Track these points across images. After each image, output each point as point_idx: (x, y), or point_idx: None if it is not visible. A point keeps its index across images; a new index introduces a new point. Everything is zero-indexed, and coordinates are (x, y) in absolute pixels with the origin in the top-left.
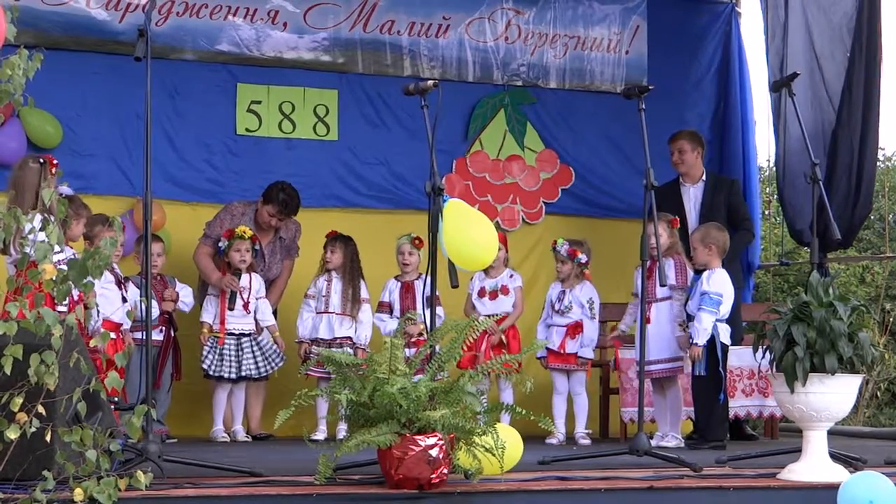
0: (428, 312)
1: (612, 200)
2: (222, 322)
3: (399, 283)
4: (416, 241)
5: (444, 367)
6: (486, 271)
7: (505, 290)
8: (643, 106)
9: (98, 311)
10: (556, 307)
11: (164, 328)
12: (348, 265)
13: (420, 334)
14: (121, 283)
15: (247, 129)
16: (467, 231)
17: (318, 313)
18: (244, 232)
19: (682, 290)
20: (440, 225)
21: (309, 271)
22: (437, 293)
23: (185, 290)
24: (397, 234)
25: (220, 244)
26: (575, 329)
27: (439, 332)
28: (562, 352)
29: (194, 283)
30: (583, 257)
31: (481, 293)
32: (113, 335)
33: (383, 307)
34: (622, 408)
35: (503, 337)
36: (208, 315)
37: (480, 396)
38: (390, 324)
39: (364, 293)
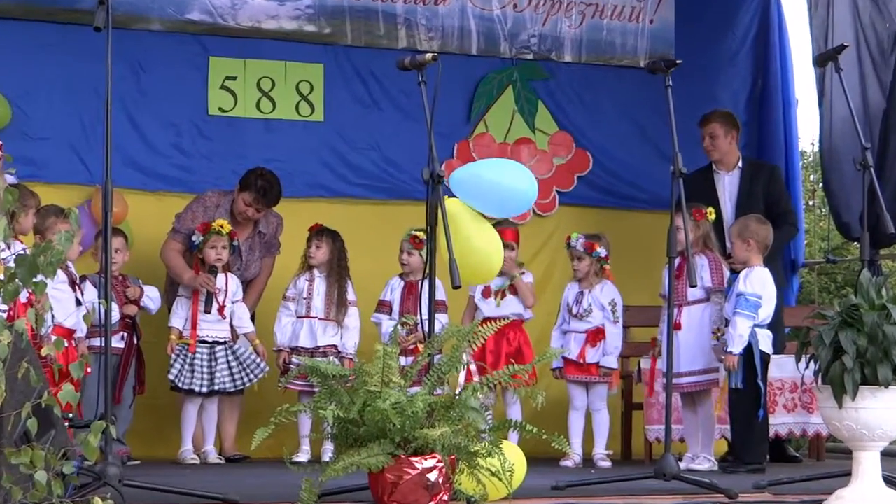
0: (429, 316)
1: (636, 190)
2: (194, 327)
3: (402, 283)
4: (415, 241)
5: (445, 379)
6: None
7: (514, 289)
8: (670, 82)
9: (52, 316)
10: (574, 311)
11: (125, 334)
12: (334, 263)
13: (416, 342)
14: (75, 283)
15: (220, 109)
16: (467, 242)
17: (298, 318)
18: (222, 226)
19: (718, 291)
20: (445, 216)
21: (288, 270)
22: (444, 298)
23: (152, 290)
24: (390, 228)
25: (194, 239)
26: (595, 335)
27: (439, 338)
28: (580, 361)
29: (161, 284)
30: (602, 251)
31: (486, 293)
32: (65, 343)
33: (383, 307)
34: (647, 425)
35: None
36: (178, 320)
37: (485, 412)
38: (388, 325)
39: (351, 295)
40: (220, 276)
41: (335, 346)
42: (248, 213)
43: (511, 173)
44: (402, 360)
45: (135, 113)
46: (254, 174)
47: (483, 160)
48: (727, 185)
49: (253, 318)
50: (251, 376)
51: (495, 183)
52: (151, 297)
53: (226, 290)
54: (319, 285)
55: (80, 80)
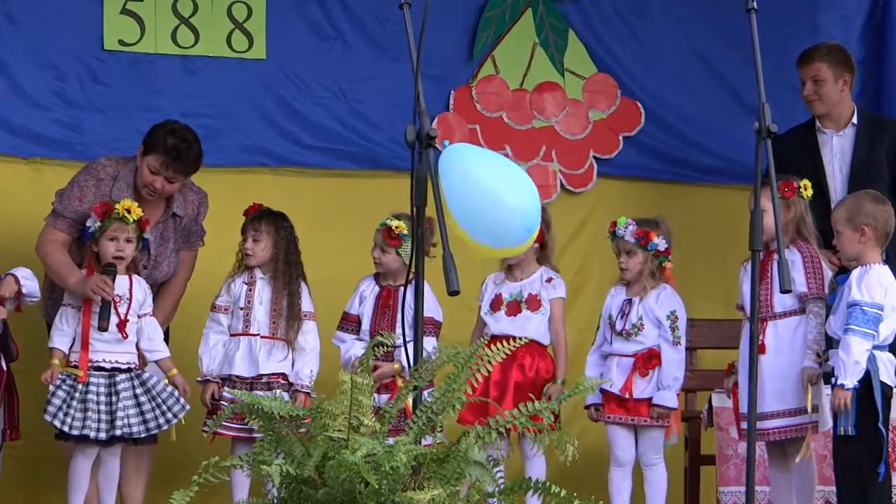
0: (415, 333)
1: (705, 155)
2: (84, 349)
3: (377, 288)
4: (389, 234)
5: (437, 422)
6: (505, 271)
7: (535, 303)
8: (754, 4)
9: None
10: (619, 327)
11: None
12: (281, 260)
13: (396, 375)
14: None
15: (121, 43)
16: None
17: (233, 336)
18: (128, 210)
19: (819, 298)
20: (437, 192)
21: (217, 268)
22: (435, 315)
23: (23, 271)
24: (361, 210)
25: (89, 225)
26: (647, 361)
27: (429, 366)
28: (626, 397)
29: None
30: (660, 243)
31: (495, 304)
32: None
33: (348, 321)
34: (720, 486)
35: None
36: (62, 338)
37: (494, 468)
38: (354, 348)
39: (307, 304)
40: (122, 279)
41: (284, 376)
42: (156, 184)
43: (515, 187)
44: (377, 398)
45: (0, 49)
46: (162, 130)
47: (483, 154)
48: (837, 148)
49: (167, 337)
50: (167, 417)
51: (496, 201)
52: (25, 277)
53: (130, 298)
54: (262, 291)
55: None
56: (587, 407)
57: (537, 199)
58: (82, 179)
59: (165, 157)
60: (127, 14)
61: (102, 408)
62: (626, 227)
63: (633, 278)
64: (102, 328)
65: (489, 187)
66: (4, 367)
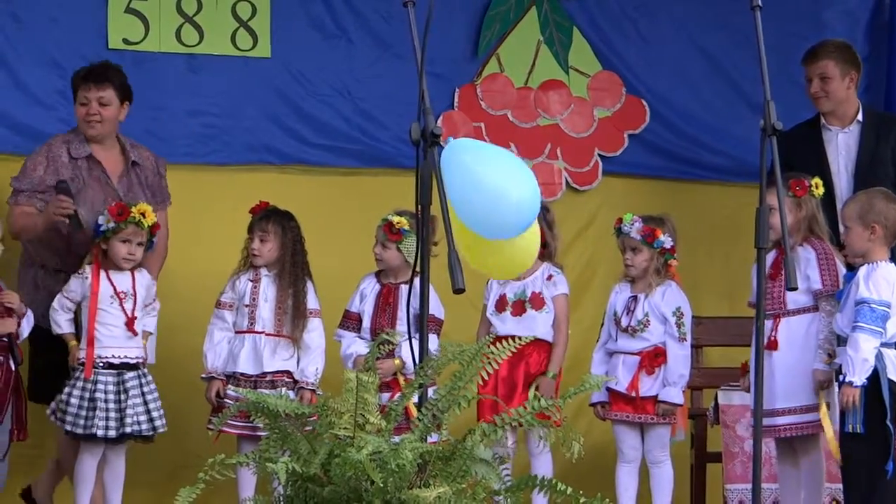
0: (420, 331)
1: (710, 153)
2: (90, 345)
3: (378, 286)
4: (390, 230)
5: (443, 420)
6: None
7: (538, 301)
8: (759, 1)
9: None
10: (624, 323)
11: (1, 358)
12: (287, 259)
13: (397, 373)
14: None
15: (125, 41)
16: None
17: (238, 333)
18: (143, 214)
19: (829, 296)
20: (442, 189)
21: (223, 266)
22: (437, 312)
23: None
24: (366, 208)
25: (101, 222)
26: (653, 358)
27: (434, 363)
28: (632, 394)
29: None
30: (666, 240)
31: (500, 305)
32: None
33: (349, 319)
34: (727, 483)
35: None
36: (67, 323)
37: (500, 466)
38: (355, 345)
39: (312, 302)
40: (125, 276)
41: (289, 373)
42: (91, 109)
43: (516, 179)
44: (383, 396)
45: (5, 46)
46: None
47: (484, 148)
48: (842, 146)
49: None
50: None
51: (498, 193)
52: (28, 318)
53: (134, 294)
54: (267, 289)
55: None
56: (593, 405)
57: (537, 190)
58: (37, 156)
59: (83, 81)
60: (131, 13)
61: (111, 406)
62: (632, 224)
63: (638, 275)
64: (80, 239)
65: (488, 181)
66: (13, 368)
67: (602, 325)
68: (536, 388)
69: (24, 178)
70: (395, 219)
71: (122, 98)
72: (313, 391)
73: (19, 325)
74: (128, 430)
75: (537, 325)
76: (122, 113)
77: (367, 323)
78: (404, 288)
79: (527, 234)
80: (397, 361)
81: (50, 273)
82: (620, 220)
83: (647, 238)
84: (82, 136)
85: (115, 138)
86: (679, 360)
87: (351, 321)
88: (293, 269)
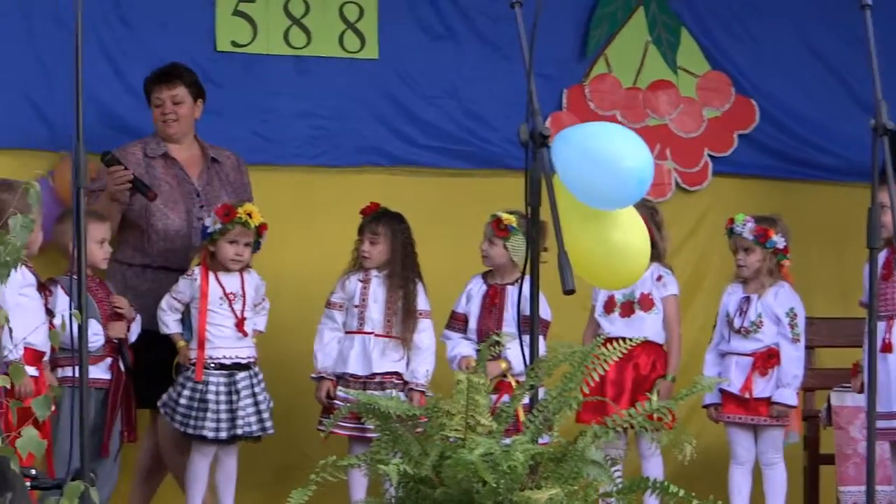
0: (531, 333)
1: (821, 153)
2: (201, 347)
3: (484, 287)
4: (498, 226)
5: (554, 422)
6: None
7: (647, 302)
8: (869, 0)
9: (10, 333)
10: (737, 324)
11: (111, 361)
12: (397, 260)
13: (504, 375)
14: (43, 286)
15: (233, 44)
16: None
17: (347, 333)
18: (250, 215)
19: None
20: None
21: (333, 267)
22: (544, 313)
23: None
24: (475, 209)
25: (207, 225)
26: (766, 359)
27: (544, 366)
28: (745, 396)
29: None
30: (779, 240)
31: (609, 306)
32: (34, 371)
33: (456, 320)
34: (840, 486)
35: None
36: (175, 324)
37: (612, 467)
38: (461, 346)
39: (423, 303)
40: (234, 277)
41: (398, 375)
42: (166, 109)
43: (625, 145)
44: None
45: (114, 50)
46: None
47: (587, 124)
48: None
49: None
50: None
51: (607, 160)
52: (137, 322)
53: (243, 295)
54: (377, 290)
55: (38, 5)
56: (706, 406)
57: (650, 157)
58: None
59: (154, 83)
60: (239, 15)
61: (223, 406)
62: (745, 225)
63: (750, 276)
64: (152, 198)
65: (601, 150)
66: (123, 371)
67: (714, 326)
68: (658, 395)
69: (98, 180)
70: (504, 215)
71: (195, 96)
72: (423, 392)
73: (129, 329)
74: (238, 431)
75: (646, 326)
76: (197, 110)
77: (473, 324)
78: (511, 289)
79: (636, 244)
80: (503, 364)
81: (136, 271)
82: (732, 221)
83: (760, 238)
84: (159, 138)
85: (193, 137)
86: (793, 361)
87: (457, 322)
88: (403, 271)
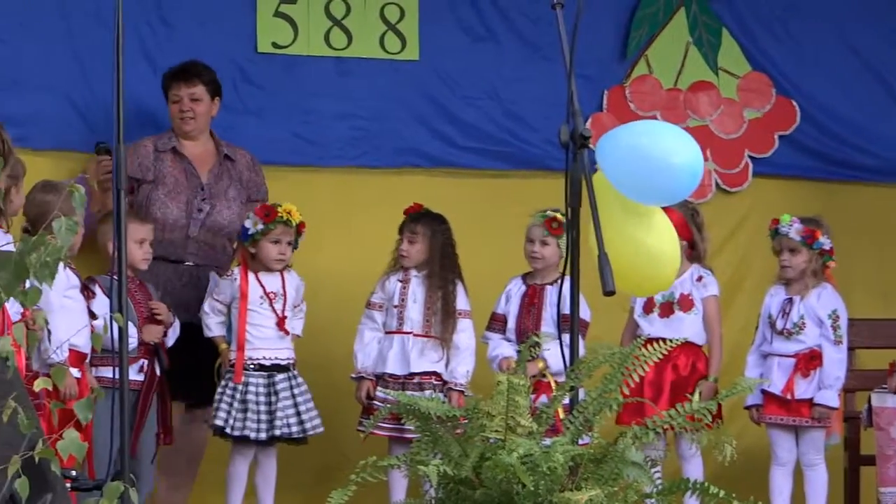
0: (571, 333)
1: (862, 154)
2: (241, 349)
3: (523, 287)
4: (553, 224)
5: (594, 423)
6: None
7: (687, 303)
8: None
9: (49, 335)
10: (780, 326)
11: (145, 363)
12: (436, 260)
13: (542, 375)
14: (87, 288)
15: (274, 45)
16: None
17: (387, 334)
18: (290, 213)
19: None
20: (592, 193)
21: (373, 267)
22: (583, 314)
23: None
24: (514, 208)
25: (248, 227)
26: (809, 361)
27: (585, 367)
28: (787, 397)
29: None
30: (825, 242)
31: (648, 307)
32: (77, 372)
33: (495, 321)
34: (881, 487)
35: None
36: (218, 327)
37: (652, 469)
38: (501, 347)
39: (462, 303)
40: (275, 277)
41: (437, 375)
42: (184, 106)
43: (672, 142)
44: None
45: (155, 51)
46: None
47: (632, 123)
48: None
49: None
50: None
51: (654, 157)
52: (175, 327)
53: (284, 295)
54: (416, 290)
55: (78, 5)
56: (748, 408)
57: (699, 153)
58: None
59: (173, 79)
60: (280, 16)
61: (262, 408)
62: (792, 226)
63: (795, 277)
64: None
65: (651, 148)
66: (157, 373)
67: (756, 327)
68: (700, 396)
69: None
70: (557, 214)
71: (212, 94)
72: (461, 392)
73: (166, 333)
74: (277, 432)
75: (685, 326)
76: (214, 108)
77: (511, 324)
78: (550, 289)
79: (668, 250)
80: (541, 364)
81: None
82: (777, 221)
83: (808, 239)
84: (172, 133)
85: (208, 134)
86: (835, 363)
87: (497, 323)
88: (442, 271)
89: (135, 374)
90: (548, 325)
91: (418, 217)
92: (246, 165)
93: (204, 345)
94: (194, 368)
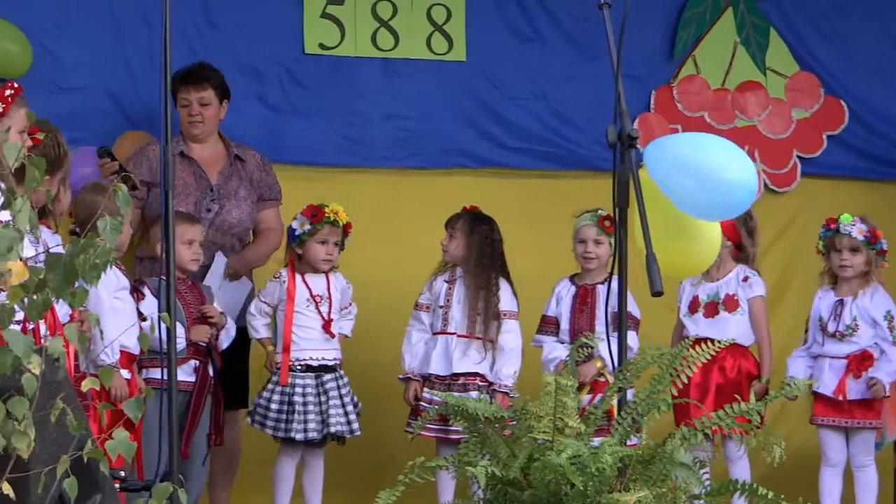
0: (619, 334)
1: None
2: (286, 351)
3: (573, 288)
4: (605, 222)
5: (642, 424)
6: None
7: (732, 303)
8: None
9: (101, 335)
10: (832, 328)
11: (197, 364)
12: (473, 259)
13: (600, 375)
14: (136, 290)
15: (321, 46)
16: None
17: (433, 334)
18: (336, 214)
19: None
20: (639, 193)
21: (421, 269)
22: (633, 310)
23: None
24: (561, 209)
25: (295, 228)
26: (861, 362)
27: (633, 366)
28: (839, 398)
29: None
30: (885, 242)
31: (693, 306)
32: (127, 373)
33: (547, 324)
34: None
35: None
36: (265, 329)
37: (700, 470)
38: (557, 350)
39: (508, 303)
40: (320, 279)
41: (481, 376)
42: (193, 110)
43: (728, 158)
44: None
45: (202, 52)
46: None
47: (685, 135)
48: None
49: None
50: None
51: (708, 172)
52: (228, 330)
53: (329, 297)
54: (460, 290)
55: (125, 7)
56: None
57: (753, 169)
58: (135, 159)
59: (182, 83)
60: (327, 18)
61: (311, 408)
62: (854, 225)
63: (853, 276)
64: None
65: (704, 162)
66: (210, 374)
67: (806, 329)
68: (757, 398)
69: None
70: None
71: (221, 97)
72: (506, 394)
73: (217, 336)
74: (332, 429)
75: (729, 327)
76: (222, 112)
77: (565, 325)
78: (601, 288)
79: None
80: (598, 363)
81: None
82: (836, 221)
83: (870, 239)
84: (180, 137)
85: (217, 136)
86: (891, 365)
87: (549, 326)
88: (481, 271)
89: (186, 376)
90: (602, 323)
91: (460, 214)
92: (256, 165)
93: (235, 346)
94: (226, 370)
